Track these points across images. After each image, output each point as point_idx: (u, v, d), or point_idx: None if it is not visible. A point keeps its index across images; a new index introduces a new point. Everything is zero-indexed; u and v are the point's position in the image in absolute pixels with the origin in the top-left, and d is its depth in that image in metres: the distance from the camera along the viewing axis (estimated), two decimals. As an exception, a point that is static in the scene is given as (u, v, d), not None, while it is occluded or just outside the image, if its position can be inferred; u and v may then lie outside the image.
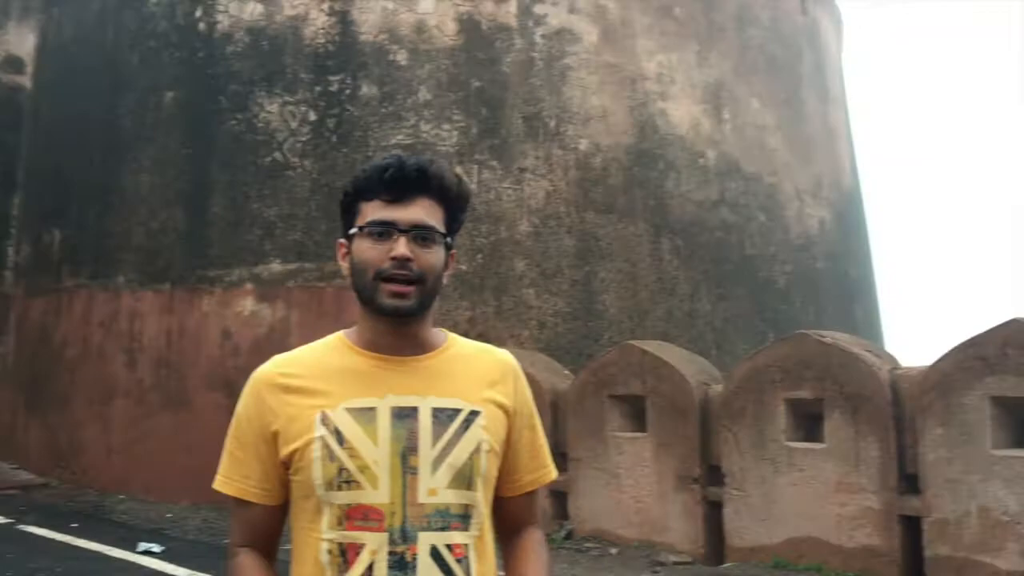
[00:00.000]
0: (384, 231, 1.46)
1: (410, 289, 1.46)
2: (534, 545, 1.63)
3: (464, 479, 1.46)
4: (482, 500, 1.50)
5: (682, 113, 10.07)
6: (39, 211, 11.13)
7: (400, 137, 9.10)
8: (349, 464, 1.44)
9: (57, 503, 8.83)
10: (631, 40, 9.95)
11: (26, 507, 8.50)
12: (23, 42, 11.55)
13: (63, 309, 10.37)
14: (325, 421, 1.46)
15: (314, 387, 1.50)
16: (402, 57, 9.29)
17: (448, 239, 1.52)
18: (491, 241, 8.90)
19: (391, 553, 1.43)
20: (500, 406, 1.55)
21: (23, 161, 11.46)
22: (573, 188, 9.32)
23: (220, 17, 9.72)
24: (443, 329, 1.61)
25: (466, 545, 1.46)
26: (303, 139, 9.26)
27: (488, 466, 1.50)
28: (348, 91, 9.29)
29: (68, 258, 10.53)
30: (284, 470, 1.50)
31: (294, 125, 9.31)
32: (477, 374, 1.56)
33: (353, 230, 1.50)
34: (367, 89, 9.27)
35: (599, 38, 9.76)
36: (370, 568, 1.42)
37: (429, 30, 9.34)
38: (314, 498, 1.46)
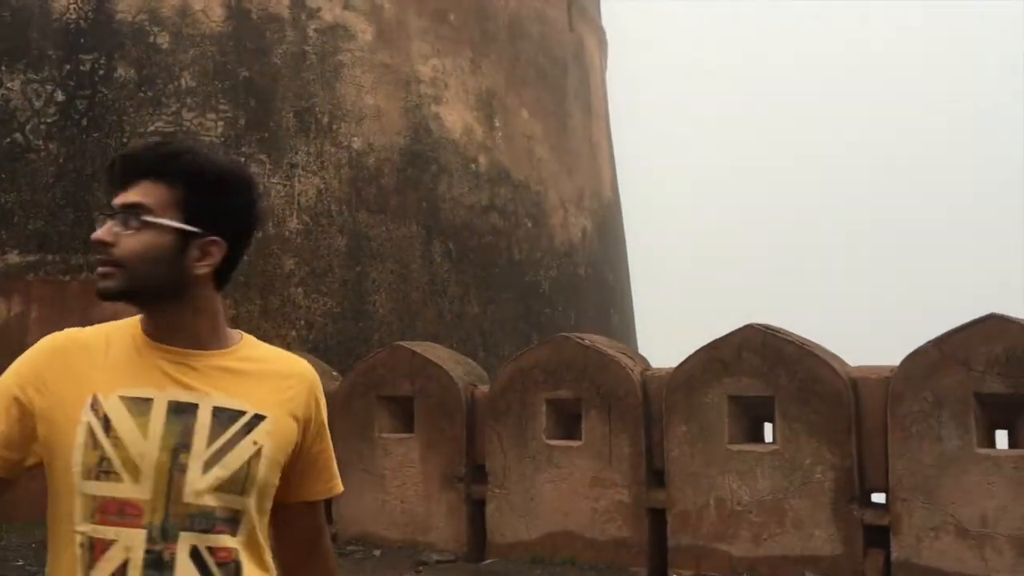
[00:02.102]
0: (105, 217, 1.43)
1: (111, 270, 1.41)
2: (324, 553, 1.65)
3: (236, 484, 1.41)
4: (254, 507, 1.44)
5: (455, 118, 10.22)
6: None
7: (160, 124, 8.60)
8: (112, 454, 1.37)
9: None
10: (406, 42, 9.98)
11: None
12: None
13: None
14: (95, 406, 1.39)
15: (93, 368, 1.42)
16: (163, 40, 8.78)
17: (188, 226, 1.42)
18: (258, 237, 8.59)
19: (148, 551, 1.36)
20: (291, 415, 1.50)
21: None
22: (345, 187, 9.21)
23: (-49, -21, 8.76)
24: (239, 331, 1.55)
25: (233, 550, 1.41)
26: (49, 120, 8.53)
27: (266, 473, 1.45)
28: (102, 72, 8.65)
29: None
30: (32, 448, 1.43)
31: (39, 105, 8.55)
32: (270, 379, 1.50)
33: None
34: (123, 71, 8.69)
35: (374, 37, 9.71)
36: (124, 566, 1.36)
37: (194, 14, 8.89)
38: (70, 488, 1.39)
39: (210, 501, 1.40)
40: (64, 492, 1.40)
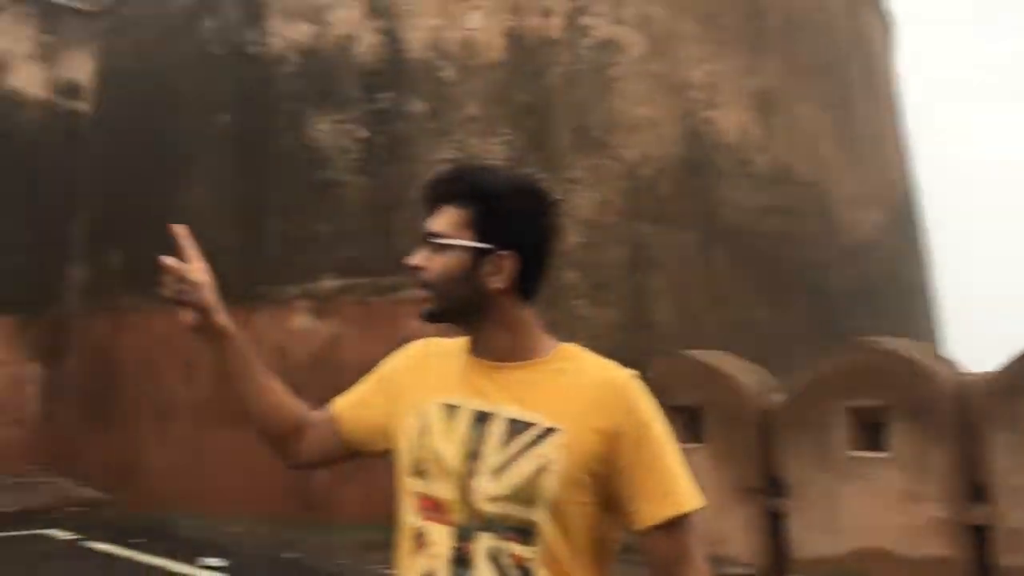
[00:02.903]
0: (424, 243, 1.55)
1: (427, 294, 1.51)
2: None
3: (523, 496, 1.42)
4: (550, 522, 1.42)
5: (730, 120, 10.00)
6: (99, 233, 11.39)
7: (448, 152, 9.16)
8: (426, 454, 1.49)
9: (121, 519, 9.00)
10: (677, 49, 9.92)
11: (91, 524, 8.68)
12: (82, 68, 11.86)
13: (123, 328, 10.58)
14: (421, 410, 1.53)
15: (436, 375, 1.57)
16: (450, 73, 9.36)
17: (479, 243, 1.47)
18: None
19: (454, 548, 1.45)
20: (596, 429, 1.44)
21: (83, 185, 11.75)
22: (622, 198, 9.30)
23: (272, 40, 9.89)
24: (565, 343, 1.57)
25: (528, 559, 1.42)
26: (354, 156, 9.38)
27: (558, 488, 1.41)
28: (397, 108, 9.38)
29: (127, 278, 10.75)
30: (384, 435, 1.60)
31: (345, 143, 9.42)
32: (576, 391, 1.47)
33: None
34: (415, 105, 9.36)
35: (645, 48, 9.74)
36: (437, 559, 1.46)
37: (476, 46, 9.40)
38: (403, 483, 1.54)
39: (498, 509, 1.43)
40: (402, 486, 1.54)
